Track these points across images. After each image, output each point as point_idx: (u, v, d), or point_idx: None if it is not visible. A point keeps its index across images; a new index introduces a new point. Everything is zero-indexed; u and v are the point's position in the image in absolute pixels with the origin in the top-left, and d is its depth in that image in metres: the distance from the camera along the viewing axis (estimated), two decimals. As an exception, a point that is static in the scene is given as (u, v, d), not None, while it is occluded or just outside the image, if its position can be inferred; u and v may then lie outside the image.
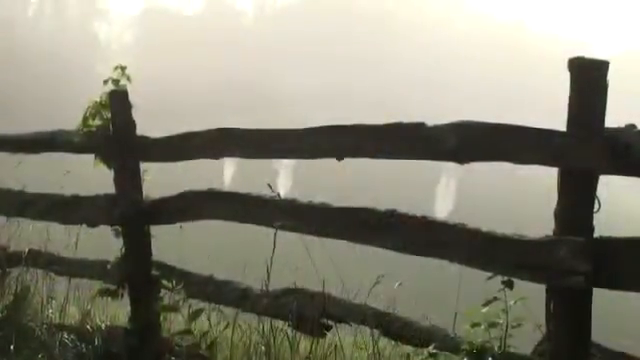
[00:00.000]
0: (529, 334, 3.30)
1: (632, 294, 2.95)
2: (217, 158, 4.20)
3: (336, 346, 3.92)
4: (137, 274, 4.56)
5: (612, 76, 2.93)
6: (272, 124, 4.18)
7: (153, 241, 4.57)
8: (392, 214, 3.49)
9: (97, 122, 4.66)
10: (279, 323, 4.06)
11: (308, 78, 29.46)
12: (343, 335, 3.97)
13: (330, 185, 13.31)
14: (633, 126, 2.91)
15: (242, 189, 4.15)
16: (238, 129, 4.06)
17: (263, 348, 4.01)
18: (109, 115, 4.59)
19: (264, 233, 3.98)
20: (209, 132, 4.18)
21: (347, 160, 3.66)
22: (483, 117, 3.25)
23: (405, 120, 3.39)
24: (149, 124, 4.72)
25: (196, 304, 4.23)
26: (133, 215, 4.54)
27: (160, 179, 4.64)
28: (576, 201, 3.03)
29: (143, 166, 4.60)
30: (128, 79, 4.67)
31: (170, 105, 20.47)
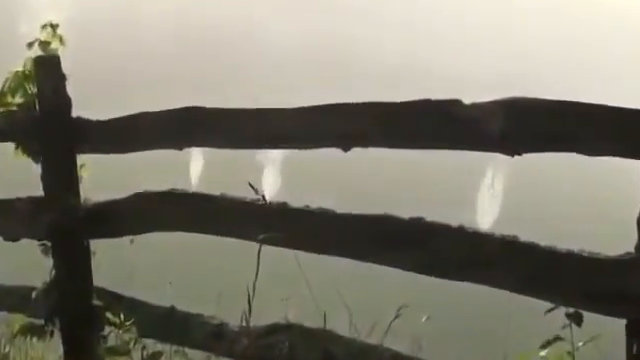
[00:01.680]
0: (603, 386, 3.29)
1: None
2: (181, 148, 4.19)
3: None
4: (72, 305, 4.55)
5: None
6: (255, 100, 4.35)
7: (94, 260, 4.55)
8: (417, 223, 3.49)
9: (19, 99, 4.66)
10: (264, 371, 4.03)
11: (298, 32, 29.03)
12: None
13: (333, 185, 13.16)
14: None
15: (215, 190, 4.13)
16: (209, 108, 4.03)
17: (242, 405, 4.00)
18: (35, 90, 4.59)
19: (244, 249, 3.97)
20: (170, 113, 4.16)
21: (356, 151, 3.66)
22: (541, 91, 3.26)
23: (433, 95, 3.39)
24: (89, 102, 4.79)
25: (153, 345, 4.24)
26: (67, 225, 4.54)
27: (104, 176, 4.66)
28: (667, 206, 2.99)
29: (81, 159, 4.56)
30: (61, 41, 4.66)
31: (118, 76, 20.27)
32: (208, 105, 4.06)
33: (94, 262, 4.57)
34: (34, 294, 4.69)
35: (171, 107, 4.16)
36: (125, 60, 22.84)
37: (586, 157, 3.16)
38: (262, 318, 4.03)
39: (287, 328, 3.99)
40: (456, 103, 3.33)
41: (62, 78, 4.53)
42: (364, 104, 3.60)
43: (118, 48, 24.41)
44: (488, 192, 3.94)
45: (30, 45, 4.64)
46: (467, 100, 3.31)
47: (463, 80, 19.52)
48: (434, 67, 23.43)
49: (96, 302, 4.52)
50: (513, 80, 20.01)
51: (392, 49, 26.30)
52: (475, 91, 3.30)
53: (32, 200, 4.67)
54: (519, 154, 3.27)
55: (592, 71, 25.09)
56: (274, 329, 4.01)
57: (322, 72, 22.43)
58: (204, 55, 24.51)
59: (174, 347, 4.28)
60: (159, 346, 4.26)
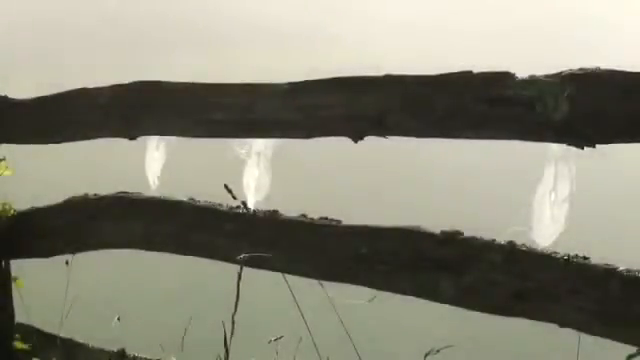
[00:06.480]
0: None
1: None
2: (133, 137, 3.99)
3: None
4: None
5: None
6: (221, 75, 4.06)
7: (16, 288, 4.40)
8: (452, 240, 3.28)
9: None
10: None
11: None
12: None
13: (337, 187, 12.71)
14: None
15: (179, 194, 4.02)
16: (170, 83, 3.83)
17: None
18: None
19: (220, 272, 3.73)
20: (116, 88, 3.95)
21: (369, 141, 3.45)
22: (615, 62, 3.03)
23: (470, 69, 3.17)
24: (8, 75, 4.36)
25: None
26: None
27: (30, 174, 4.45)
28: None
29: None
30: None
31: (44, 44, 20.34)
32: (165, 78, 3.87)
33: (17, 290, 4.41)
34: None
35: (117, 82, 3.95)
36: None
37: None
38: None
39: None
40: (505, 77, 3.11)
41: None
42: (382, 77, 3.39)
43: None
44: (548, 198, 3.50)
45: None
46: (519, 74, 3.09)
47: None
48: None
49: (19, 345, 4.37)
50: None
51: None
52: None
53: None
54: (592, 145, 3.02)
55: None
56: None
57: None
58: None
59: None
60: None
